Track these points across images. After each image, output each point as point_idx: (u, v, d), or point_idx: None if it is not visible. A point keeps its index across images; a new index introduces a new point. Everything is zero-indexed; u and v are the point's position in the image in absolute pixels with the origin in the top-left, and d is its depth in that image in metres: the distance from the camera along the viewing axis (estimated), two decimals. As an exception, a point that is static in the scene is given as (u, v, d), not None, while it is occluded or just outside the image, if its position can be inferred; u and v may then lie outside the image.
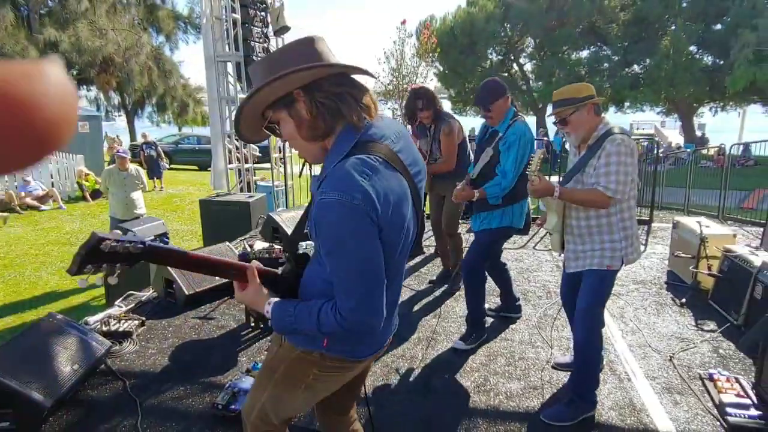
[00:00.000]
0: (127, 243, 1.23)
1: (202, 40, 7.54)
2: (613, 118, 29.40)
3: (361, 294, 1.24)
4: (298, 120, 1.31)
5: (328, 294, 1.30)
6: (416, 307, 4.17)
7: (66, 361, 2.86)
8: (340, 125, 1.31)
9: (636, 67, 23.82)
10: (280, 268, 1.58)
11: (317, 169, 1.45)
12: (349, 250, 1.22)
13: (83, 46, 16.60)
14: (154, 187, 14.09)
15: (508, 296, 3.88)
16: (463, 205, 4.01)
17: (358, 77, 1.36)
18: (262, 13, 7.90)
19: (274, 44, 8.05)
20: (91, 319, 3.70)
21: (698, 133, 24.41)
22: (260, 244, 4.49)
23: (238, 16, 7.45)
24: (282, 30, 8.23)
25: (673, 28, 21.30)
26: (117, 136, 16.86)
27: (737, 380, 2.85)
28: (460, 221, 4.46)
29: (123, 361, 3.30)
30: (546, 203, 2.66)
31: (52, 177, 12.21)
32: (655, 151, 7.52)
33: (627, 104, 25.18)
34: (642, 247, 5.70)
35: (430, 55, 10.69)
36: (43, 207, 10.97)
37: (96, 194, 12.02)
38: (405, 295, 4.43)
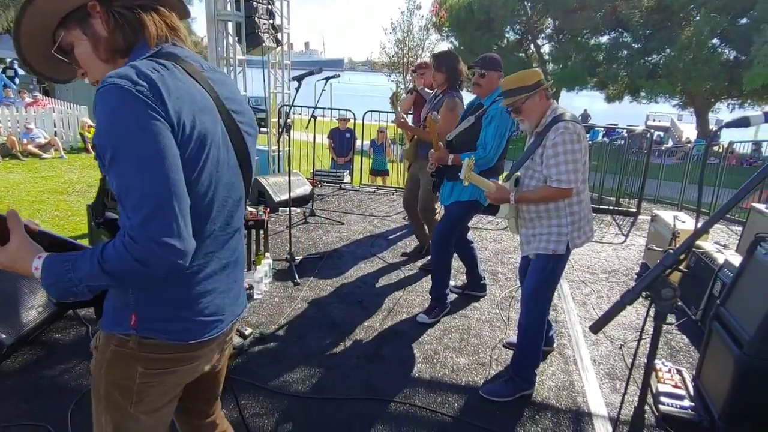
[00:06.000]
0: None
1: (204, -3, 7.46)
2: (628, 107, 28.89)
3: (154, 202, 0.99)
4: (94, 39, 1.15)
5: None
6: (384, 279, 4.24)
7: (31, 304, 2.98)
8: (140, 41, 1.15)
9: (655, 57, 23.31)
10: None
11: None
12: (135, 146, 0.99)
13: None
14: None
15: (473, 274, 3.94)
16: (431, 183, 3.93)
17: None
18: (267, -26, 7.76)
19: (279, 6, 7.94)
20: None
21: (713, 129, 24.00)
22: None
23: (241, -26, 7.33)
24: (287, -8, 8.10)
25: (697, 18, 20.71)
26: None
27: (679, 372, 2.92)
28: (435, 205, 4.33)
29: (90, 309, 3.41)
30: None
31: (55, 126, 12.28)
32: (648, 143, 7.46)
33: (642, 94, 24.74)
34: (597, 231, 5.70)
35: (439, 29, 10.53)
36: (45, 155, 11.09)
37: (98, 146, 12.09)
38: (376, 266, 4.50)
